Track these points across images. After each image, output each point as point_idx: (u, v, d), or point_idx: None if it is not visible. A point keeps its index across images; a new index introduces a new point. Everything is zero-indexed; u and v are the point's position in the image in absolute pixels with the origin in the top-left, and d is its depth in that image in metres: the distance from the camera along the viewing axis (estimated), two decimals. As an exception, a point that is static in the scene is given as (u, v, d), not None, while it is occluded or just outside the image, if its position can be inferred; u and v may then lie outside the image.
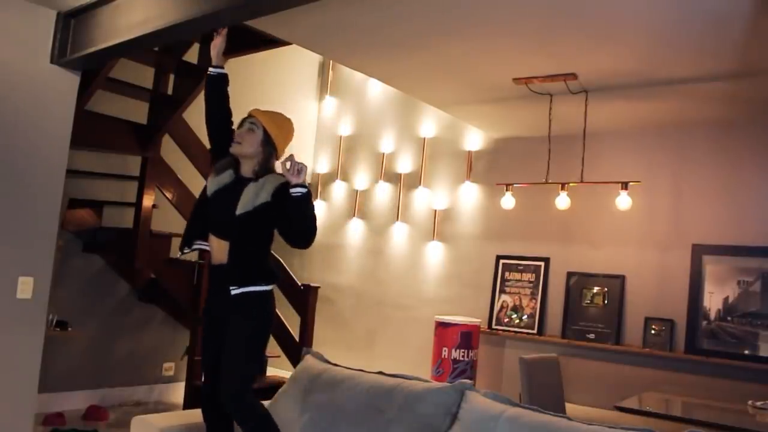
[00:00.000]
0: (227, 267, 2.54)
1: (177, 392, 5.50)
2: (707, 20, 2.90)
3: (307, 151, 6.55)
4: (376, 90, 6.21)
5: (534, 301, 5.03)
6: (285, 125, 2.71)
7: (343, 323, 6.08)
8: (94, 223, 4.92)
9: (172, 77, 4.95)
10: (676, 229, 4.54)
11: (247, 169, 2.63)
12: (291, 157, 2.49)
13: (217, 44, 2.76)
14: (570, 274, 4.91)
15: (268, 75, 6.00)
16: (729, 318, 4.25)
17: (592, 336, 4.70)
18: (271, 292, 2.62)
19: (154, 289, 5.25)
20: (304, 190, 2.47)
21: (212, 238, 2.63)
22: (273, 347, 5.33)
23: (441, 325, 4.94)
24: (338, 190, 6.38)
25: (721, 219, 4.39)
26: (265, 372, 5.50)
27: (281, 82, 6.25)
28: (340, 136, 6.43)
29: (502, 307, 5.18)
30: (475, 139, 5.54)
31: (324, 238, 6.22)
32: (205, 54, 4.54)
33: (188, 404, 4.75)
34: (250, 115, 2.67)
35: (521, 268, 5.16)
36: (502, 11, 3.04)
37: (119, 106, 4.77)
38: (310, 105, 6.62)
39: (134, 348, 5.33)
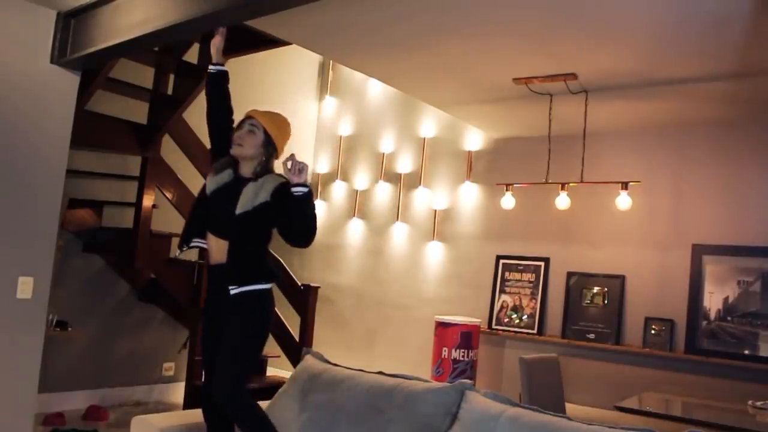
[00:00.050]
0: (226, 266, 2.54)
1: (177, 392, 5.50)
2: (707, 20, 2.90)
3: (307, 151, 6.55)
4: (376, 90, 6.21)
5: (534, 301, 5.03)
6: (283, 125, 2.72)
7: (343, 323, 6.08)
8: (94, 223, 4.92)
9: (172, 77, 4.95)
10: (676, 229, 4.54)
11: (246, 169, 2.63)
12: (292, 157, 2.49)
13: (216, 43, 2.78)
14: (570, 274, 4.91)
15: (268, 75, 6.00)
16: (729, 318, 4.25)
17: (592, 336, 4.70)
18: (270, 290, 2.62)
19: (154, 289, 5.25)
20: (305, 189, 2.47)
21: (210, 238, 2.62)
22: (273, 347, 5.34)
23: (441, 325, 4.94)
24: (338, 190, 6.38)
25: (721, 219, 4.39)
26: (265, 372, 5.50)
27: (281, 82, 6.25)
28: (340, 136, 6.43)
29: (502, 307, 5.18)
30: (475, 139, 5.54)
31: (324, 238, 6.22)
32: (205, 54, 4.54)
33: (188, 404, 4.75)
34: (249, 116, 2.66)
35: (521, 268, 5.16)
36: (502, 11, 3.04)
37: (119, 106, 4.77)
38: (310, 105, 6.62)
39: (134, 348, 5.33)
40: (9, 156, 3.26)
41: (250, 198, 2.54)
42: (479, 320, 5.04)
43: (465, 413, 2.23)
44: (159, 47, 4.68)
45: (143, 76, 4.88)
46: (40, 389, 3.44)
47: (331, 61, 6.44)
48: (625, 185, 4.04)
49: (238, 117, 2.75)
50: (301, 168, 2.45)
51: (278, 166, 2.71)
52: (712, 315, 4.30)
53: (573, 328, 4.80)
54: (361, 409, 2.40)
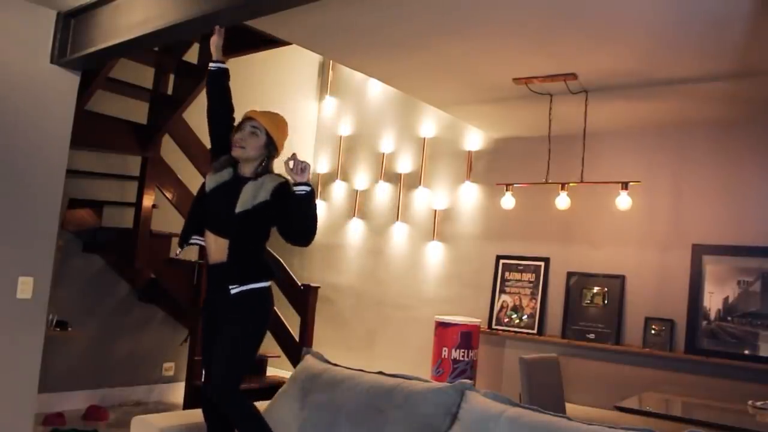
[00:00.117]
0: (227, 265, 2.54)
1: (177, 392, 5.50)
2: (707, 20, 2.90)
3: (307, 151, 6.55)
4: (376, 90, 6.21)
5: (534, 301, 5.03)
6: (282, 125, 2.72)
7: (343, 323, 6.08)
8: (94, 223, 4.92)
9: (172, 77, 4.95)
10: (676, 229, 4.54)
11: (247, 169, 2.63)
12: (294, 156, 2.49)
13: (215, 41, 2.78)
14: (570, 274, 4.91)
15: (268, 75, 6.00)
16: (729, 318, 4.25)
17: (592, 336, 4.70)
18: (269, 288, 2.63)
19: (154, 289, 5.25)
20: (307, 188, 2.48)
21: (209, 236, 2.62)
22: (273, 347, 5.34)
23: (441, 325, 4.94)
24: (338, 190, 6.38)
25: (721, 219, 4.39)
26: (265, 372, 5.50)
27: (281, 82, 6.25)
28: (340, 136, 6.43)
29: (502, 307, 5.18)
30: (475, 139, 5.54)
31: (324, 238, 6.23)
32: (205, 54, 4.54)
33: (188, 404, 4.74)
34: (249, 118, 2.65)
35: (521, 268, 5.16)
36: (502, 11, 3.04)
37: (119, 106, 4.77)
38: (310, 105, 6.62)
39: (134, 348, 5.33)
40: (9, 156, 3.26)
41: (250, 197, 2.54)
42: (479, 320, 5.04)
43: (465, 413, 2.23)
44: (159, 47, 4.68)
45: (143, 76, 4.88)
46: (40, 389, 3.44)
47: (331, 61, 6.44)
48: (625, 185, 4.04)
49: (237, 116, 2.75)
50: (303, 167, 2.47)
51: (278, 166, 2.71)
52: (712, 315, 4.30)
53: (573, 328, 4.80)
54: (361, 409, 2.40)
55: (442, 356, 4.87)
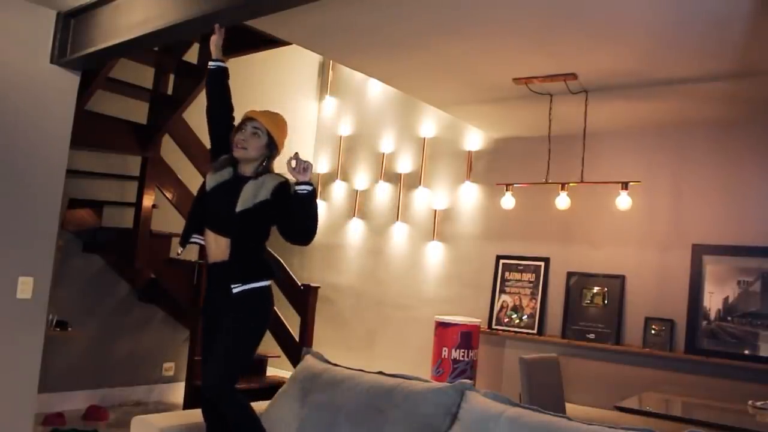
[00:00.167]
0: (228, 264, 2.54)
1: (177, 392, 5.50)
2: (707, 21, 2.90)
3: (307, 151, 6.55)
4: (376, 90, 6.21)
5: (534, 301, 5.03)
6: (281, 124, 2.72)
7: (343, 323, 6.08)
8: (94, 223, 4.92)
9: (172, 77, 4.95)
10: (676, 229, 4.54)
11: (248, 169, 2.63)
12: (297, 156, 2.49)
13: (215, 40, 2.78)
14: (570, 274, 4.91)
15: (268, 75, 6.00)
16: (729, 318, 4.25)
17: (592, 336, 4.70)
18: (270, 287, 2.63)
19: (154, 289, 5.25)
20: (309, 187, 2.48)
21: (209, 235, 2.62)
22: (273, 347, 5.34)
23: (441, 325, 4.94)
24: (338, 190, 6.38)
25: (721, 219, 4.39)
26: (265, 372, 5.50)
27: (281, 82, 6.25)
28: (340, 136, 6.43)
29: (502, 307, 5.18)
30: (475, 139, 5.54)
31: (324, 238, 6.23)
32: (205, 54, 4.54)
33: (188, 404, 4.75)
34: (250, 118, 2.65)
35: (521, 268, 5.16)
36: (502, 11, 3.04)
37: (119, 106, 4.78)
38: (310, 105, 6.62)
39: (134, 348, 5.33)
40: (9, 156, 3.26)
41: (250, 196, 2.54)
42: (479, 320, 5.04)
43: (465, 413, 2.23)
44: (159, 47, 4.68)
45: (143, 76, 4.88)
46: (40, 389, 3.44)
47: (331, 61, 6.44)
48: (625, 185, 4.04)
49: (236, 116, 2.75)
50: (305, 167, 2.48)
51: (278, 166, 2.72)
52: (712, 315, 4.30)
53: (573, 328, 4.80)
54: (361, 409, 2.40)
55: (442, 356, 4.87)
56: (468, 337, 4.86)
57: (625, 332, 4.62)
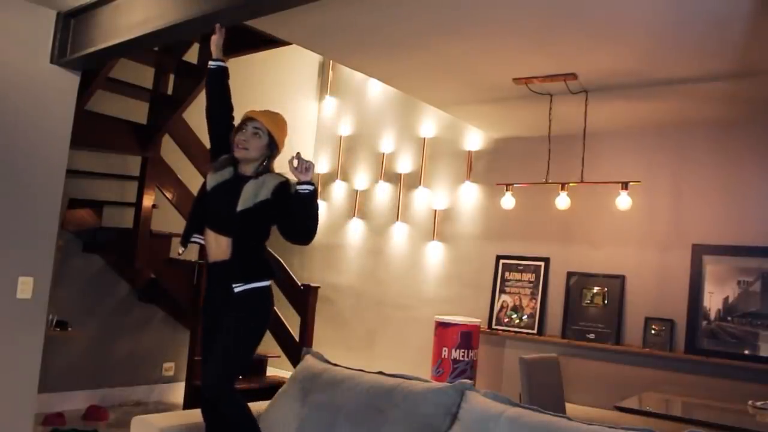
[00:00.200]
0: (229, 263, 2.55)
1: (177, 392, 5.50)
2: (707, 20, 2.90)
3: (307, 151, 6.55)
4: (376, 90, 6.21)
5: (534, 301, 5.03)
6: (281, 124, 2.73)
7: (343, 323, 6.08)
8: (94, 223, 4.92)
9: (172, 77, 4.95)
10: (676, 229, 4.54)
11: (248, 169, 2.64)
12: (299, 155, 2.49)
13: (215, 40, 2.78)
14: (570, 274, 4.91)
15: (268, 75, 6.00)
16: (729, 318, 4.25)
17: (592, 336, 4.70)
18: (270, 287, 2.63)
19: (154, 289, 5.25)
20: (311, 187, 2.48)
21: (209, 235, 2.62)
22: (273, 347, 5.34)
23: (441, 325, 4.94)
24: (338, 190, 6.38)
25: (721, 219, 4.39)
26: (265, 372, 5.50)
27: (281, 82, 6.25)
28: (340, 136, 6.43)
29: (502, 307, 5.18)
30: (475, 139, 5.54)
31: (324, 238, 6.23)
32: (205, 54, 4.54)
33: (188, 404, 4.74)
34: (250, 118, 2.65)
35: (521, 268, 5.16)
36: (502, 11, 3.04)
37: (119, 106, 4.77)
38: (310, 105, 6.62)
39: (134, 348, 5.33)
40: (9, 156, 3.26)
41: (251, 195, 2.54)
42: (479, 320, 5.04)
43: (465, 413, 2.23)
44: (159, 47, 4.68)
45: (143, 76, 4.88)
46: (40, 389, 3.44)
47: (331, 61, 6.44)
48: (625, 185, 4.04)
49: (236, 116, 2.75)
50: (307, 166, 2.48)
51: (278, 165, 2.72)
52: (712, 315, 4.30)
53: (573, 328, 4.80)
54: (361, 409, 2.40)
55: (442, 356, 4.87)
56: (468, 337, 4.86)
57: (625, 332, 4.62)
